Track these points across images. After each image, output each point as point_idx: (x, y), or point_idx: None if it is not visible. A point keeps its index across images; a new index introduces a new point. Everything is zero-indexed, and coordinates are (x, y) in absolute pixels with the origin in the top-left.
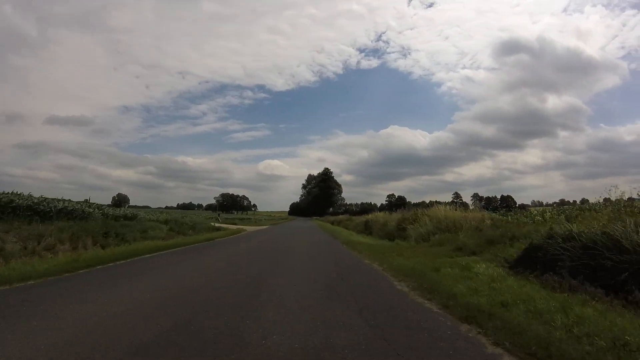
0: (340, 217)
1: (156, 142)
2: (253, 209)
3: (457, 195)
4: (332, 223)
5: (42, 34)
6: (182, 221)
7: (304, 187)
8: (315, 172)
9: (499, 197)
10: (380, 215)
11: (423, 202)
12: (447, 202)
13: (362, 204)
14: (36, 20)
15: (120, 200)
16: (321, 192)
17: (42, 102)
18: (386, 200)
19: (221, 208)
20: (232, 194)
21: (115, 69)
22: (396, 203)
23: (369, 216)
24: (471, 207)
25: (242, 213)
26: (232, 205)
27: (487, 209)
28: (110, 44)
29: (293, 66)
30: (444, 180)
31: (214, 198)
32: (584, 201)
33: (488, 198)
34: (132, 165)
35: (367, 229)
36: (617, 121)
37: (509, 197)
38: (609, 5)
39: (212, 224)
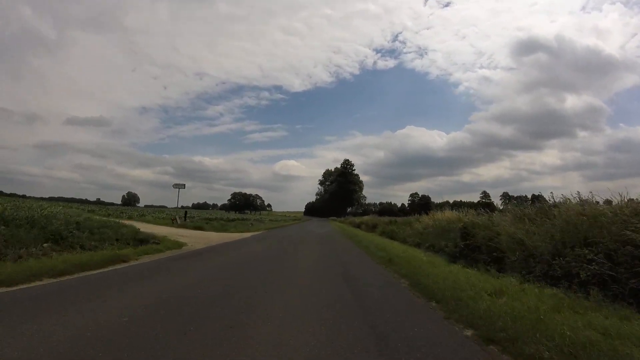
0: (366, 218)
1: (173, 143)
2: (268, 209)
3: (485, 195)
4: (359, 226)
5: (60, 35)
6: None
7: (321, 183)
8: (333, 168)
9: (529, 196)
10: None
11: (447, 202)
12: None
13: (380, 204)
14: (54, 22)
15: (130, 199)
16: (339, 189)
17: (60, 103)
18: (409, 200)
19: (234, 208)
20: (245, 193)
21: (133, 69)
22: (420, 203)
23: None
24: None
25: (253, 213)
26: (244, 205)
27: None
28: (126, 45)
29: (309, 66)
30: (461, 181)
31: (227, 200)
32: (607, 202)
33: (519, 197)
34: (150, 165)
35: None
36: (637, 121)
37: (540, 196)
38: (628, 3)
39: (138, 228)
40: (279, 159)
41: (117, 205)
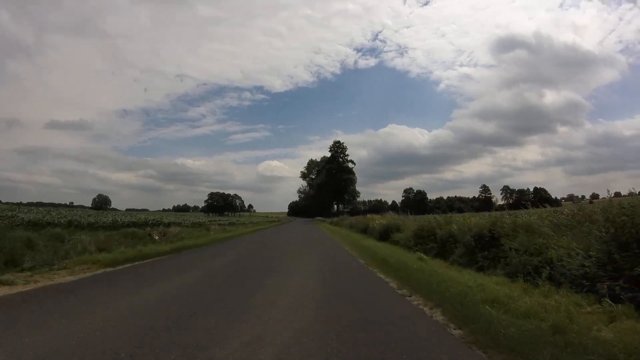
0: (376, 217)
1: (156, 145)
2: (249, 210)
3: (485, 189)
4: (365, 231)
5: (38, 40)
6: None
7: (304, 176)
8: (319, 158)
9: (531, 189)
10: None
11: (441, 198)
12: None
13: (369, 201)
14: (33, 27)
15: (100, 202)
16: (329, 179)
17: (40, 108)
18: (403, 196)
19: (212, 209)
20: (224, 194)
21: (113, 73)
22: (415, 199)
23: None
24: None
25: (231, 215)
26: (223, 206)
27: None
28: (106, 49)
29: (290, 67)
30: (444, 178)
31: (204, 201)
32: (594, 196)
33: (521, 191)
34: (133, 168)
35: None
36: (616, 116)
37: (542, 189)
38: (606, 0)
39: None
40: (263, 159)
41: (87, 208)
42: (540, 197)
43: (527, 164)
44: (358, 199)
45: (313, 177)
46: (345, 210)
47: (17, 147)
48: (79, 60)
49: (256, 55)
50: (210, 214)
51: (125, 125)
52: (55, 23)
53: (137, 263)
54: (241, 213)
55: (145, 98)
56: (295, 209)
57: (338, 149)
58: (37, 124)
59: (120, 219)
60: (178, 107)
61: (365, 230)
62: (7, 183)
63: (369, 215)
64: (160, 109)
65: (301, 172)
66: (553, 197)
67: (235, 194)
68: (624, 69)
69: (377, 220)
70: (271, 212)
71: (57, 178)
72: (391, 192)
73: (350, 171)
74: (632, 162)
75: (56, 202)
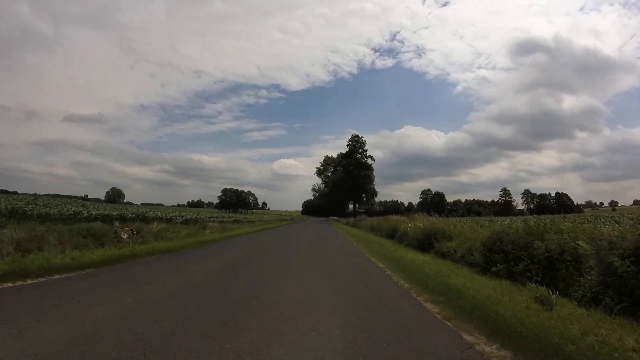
0: (402, 218)
1: (172, 141)
2: (263, 208)
3: (505, 193)
4: (392, 236)
5: (57, 32)
6: None
7: (320, 172)
8: (336, 154)
9: (554, 194)
10: None
11: (459, 200)
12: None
13: (385, 202)
14: (51, 19)
15: (114, 195)
16: (346, 176)
17: (58, 100)
18: (420, 197)
19: (225, 206)
20: (237, 190)
21: (131, 67)
22: (433, 201)
23: None
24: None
25: (245, 212)
26: (236, 202)
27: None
28: (123, 42)
29: (307, 66)
30: (459, 181)
31: (217, 196)
32: (613, 203)
33: (542, 195)
34: (148, 163)
35: None
36: (635, 123)
37: (564, 194)
38: (627, 4)
39: None
40: (278, 157)
41: (101, 201)
42: (561, 203)
43: (543, 169)
44: (376, 199)
45: (329, 174)
46: (361, 210)
47: (35, 139)
48: (97, 53)
49: (272, 53)
50: (224, 210)
51: (142, 120)
52: (74, 15)
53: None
54: (254, 210)
55: (162, 93)
56: (309, 208)
57: (356, 143)
58: (55, 116)
59: (91, 212)
60: (195, 103)
61: (392, 235)
62: (24, 174)
63: (392, 217)
64: (177, 105)
65: (316, 168)
66: (575, 203)
67: (249, 191)
68: None
69: (411, 223)
70: (285, 211)
71: (73, 170)
72: (406, 193)
73: (368, 167)
74: None
75: (72, 195)
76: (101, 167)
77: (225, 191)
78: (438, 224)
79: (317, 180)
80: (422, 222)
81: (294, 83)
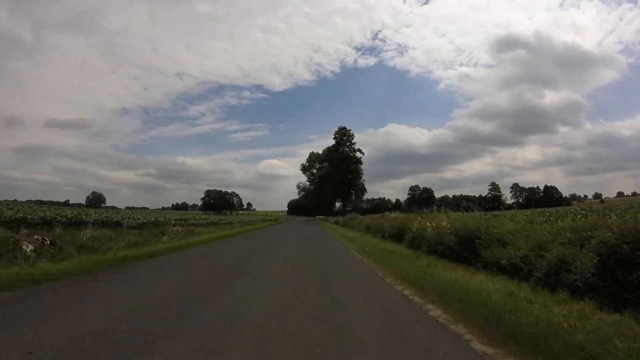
0: (411, 217)
1: (156, 144)
2: (247, 209)
3: (494, 187)
4: (399, 238)
5: (37, 38)
6: None
7: (305, 169)
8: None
9: (542, 187)
10: None
11: (446, 196)
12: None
13: (372, 199)
14: (31, 25)
15: (94, 199)
16: (334, 170)
17: (39, 106)
18: (409, 194)
19: (209, 207)
20: (221, 191)
21: (112, 71)
22: (422, 197)
23: None
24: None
25: (229, 213)
26: (221, 204)
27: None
28: (105, 46)
29: (290, 65)
30: (445, 177)
31: (200, 198)
32: (597, 196)
33: (531, 189)
34: (132, 167)
35: None
36: (616, 116)
37: (552, 187)
38: (605, 0)
39: None
40: (263, 158)
41: (82, 206)
42: (550, 196)
43: (527, 164)
44: (365, 196)
45: (315, 171)
46: (347, 209)
47: (16, 145)
48: (78, 58)
49: (255, 53)
50: (209, 213)
51: (124, 123)
52: (54, 20)
53: None
54: (239, 211)
55: (144, 96)
56: (295, 207)
57: (343, 136)
58: (36, 122)
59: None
60: (178, 106)
61: (399, 238)
62: (6, 181)
63: (391, 214)
64: (160, 108)
65: (301, 165)
66: (563, 196)
67: (233, 192)
68: (624, 69)
69: (430, 221)
70: (271, 211)
71: (56, 176)
72: (391, 191)
73: (357, 161)
74: (632, 162)
75: (54, 200)
76: (85, 173)
77: (208, 192)
78: (473, 222)
79: (303, 179)
80: (447, 220)
81: (277, 83)
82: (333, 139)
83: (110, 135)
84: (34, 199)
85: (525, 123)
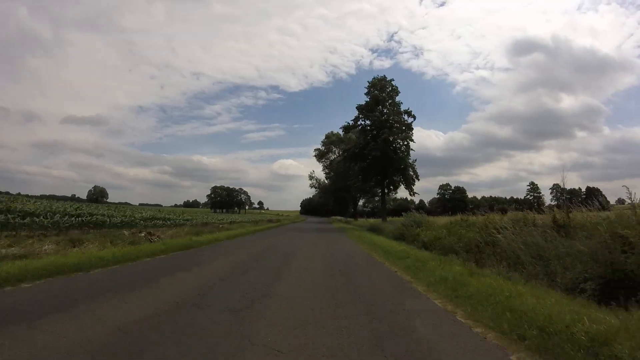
0: None
1: (171, 142)
2: (261, 207)
3: (533, 188)
4: None
5: (56, 36)
6: None
7: (320, 155)
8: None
9: (584, 189)
10: None
11: (474, 198)
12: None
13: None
14: (51, 23)
15: (96, 194)
16: (370, 141)
17: (57, 102)
18: (438, 194)
19: (217, 205)
20: (228, 187)
21: (129, 69)
22: (454, 196)
23: None
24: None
25: (238, 212)
26: (228, 201)
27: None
28: (123, 45)
29: (305, 66)
30: (459, 181)
31: (206, 195)
32: (621, 201)
33: (572, 190)
34: (148, 164)
35: None
36: (635, 121)
37: (595, 189)
38: (624, 3)
39: None
40: (277, 158)
41: (84, 201)
42: (591, 198)
43: (543, 169)
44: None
45: (337, 155)
46: (365, 209)
47: (34, 140)
48: (96, 56)
49: (271, 54)
50: (218, 211)
51: (141, 121)
52: (73, 18)
53: None
54: (247, 210)
55: (161, 95)
56: (309, 207)
57: (382, 90)
58: (54, 118)
59: None
60: (194, 105)
61: None
62: (23, 175)
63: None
64: (176, 106)
65: (316, 150)
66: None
67: (241, 188)
68: None
69: None
70: (284, 211)
71: (72, 172)
72: (405, 193)
73: (408, 126)
74: None
75: (67, 196)
76: (101, 169)
77: (215, 189)
78: None
79: (319, 163)
80: None
81: (293, 84)
82: (365, 94)
83: (127, 132)
84: (47, 194)
85: (542, 127)
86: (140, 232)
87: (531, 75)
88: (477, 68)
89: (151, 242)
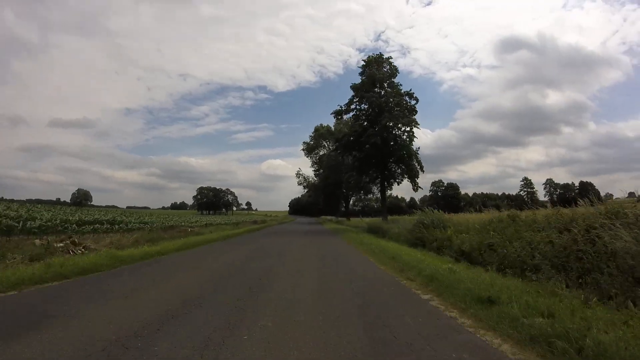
0: None
1: (159, 144)
2: (248, 208)
3: (526, 183)
4: None
5: (43, 39)
6: None
7: (310, 149)
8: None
9: (577, 183)
10: None
11: (466, 195)
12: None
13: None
14: (37, 26)
15: (80, 197)
16: (367, 127)
17: (44, 106)
18: (431, 190)
19: (203, 207)
20: (215, 188)
21: (116, 72)
22: (447, 193)
23: None
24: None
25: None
26: (214, 202)
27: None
28: (110, 48)
29: (293, 67)
30: (448, 178)
31: (192, 196)
32: (608, 196)
33: (566, 185)
34: (136, 166)
35: None
36: (620, 117)
37: (589, 183)
38: (609, 0)
39: None
40: (266, 158)
41: (67, 204)
42: (585, 193)
43: (531, 165)
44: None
45: (332, 148)
46: (356, 208)
47: (20, 144)
48: (83, 59)
49: (259, 55)
50: (205, 212)
51: (128, 123)
52: (60, 22)
53: None
54: (235, 211)
55: (148, 97)
56: (297, 207)
57: (378, 70)
58: (40, 122)
59: None
60: (181, 106)
61: None
62: (11, 180)
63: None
64: (164, 108)
65: (304, 144)
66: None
67: (228, 189)
68: (628, 70)
69: None
70: (273, 211)
71: (60, 176)
72: (393, 192)
73: (411, 110)
74: (637, 163)
75: (53, 199)
76: (88, 172)
77: (201, 190)
78: None
79: (307, 159)
80: None
81: (280, 84)
82: (360, 74)
83: (114, 135)
84: (34, 199)
85: (528, 124)
86: (61, 241)
87: (518, 72)
88: (464, 66)
89: (73, 253)
